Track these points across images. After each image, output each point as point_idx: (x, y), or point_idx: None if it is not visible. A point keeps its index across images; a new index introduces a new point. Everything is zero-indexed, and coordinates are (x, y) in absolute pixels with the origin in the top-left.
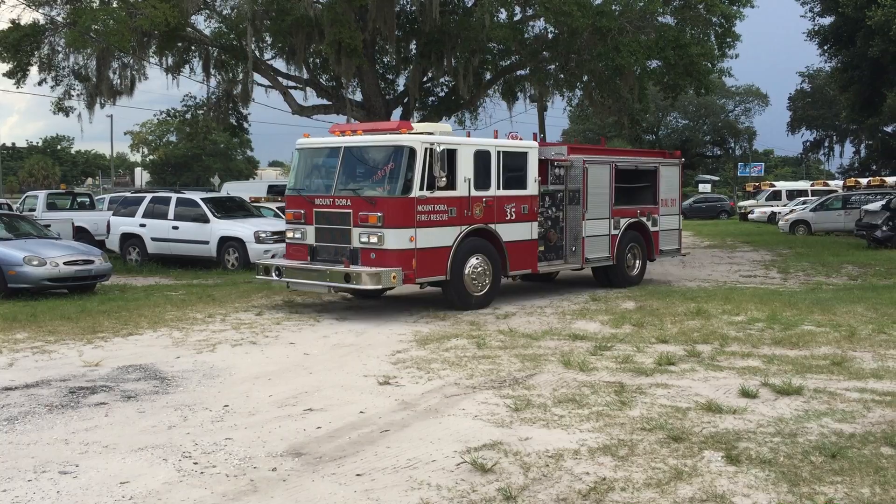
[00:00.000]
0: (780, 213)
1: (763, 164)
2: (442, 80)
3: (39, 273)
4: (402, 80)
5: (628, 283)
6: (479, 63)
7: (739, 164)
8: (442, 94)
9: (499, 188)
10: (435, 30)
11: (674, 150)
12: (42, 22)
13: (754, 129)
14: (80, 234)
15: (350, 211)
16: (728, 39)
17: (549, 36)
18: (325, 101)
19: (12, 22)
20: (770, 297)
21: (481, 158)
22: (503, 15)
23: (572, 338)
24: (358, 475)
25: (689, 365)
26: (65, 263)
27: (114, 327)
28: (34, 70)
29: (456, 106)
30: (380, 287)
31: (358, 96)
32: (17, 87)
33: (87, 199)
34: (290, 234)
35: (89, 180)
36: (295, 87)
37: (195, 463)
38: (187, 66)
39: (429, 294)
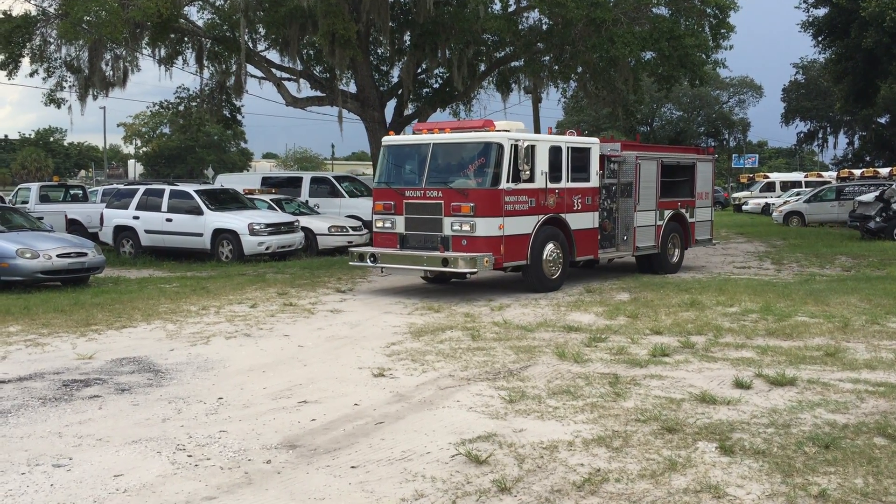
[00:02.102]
0: (774, 204)
1: (757, 155)
2: (436, 71)
3: (32, 266)
4: (396, 72)
5: (669, 269)
6: (474, 54)
7: (733, 155)
8: (436, 85)
9: (568, 181)
10: (429, 21)
11: (707, 147)
12: (34, 13)
13: (748, 120)
14: (74, 226)
15: (441, 202)
16: (722, 31)
17: (544, 27)
18: (318, 93)
19: (4, 13)
20: (764, 288)
21: (555, 153)
22: (497, 6)
23: (567, 329)
24: (353, 467)
25: (684, 356)
26: (58, 256)
27: (107, 320)
28: (26, 61)
29: (450, 97)
30: (474, 270)
31: (352, 88)
32: (9, 79)
33: (81, 192)
34: (378, 224)
35: (82, 172)
36: (288, 79)
37: (189, 455)
38: (180, 58)
39: (418, 286)
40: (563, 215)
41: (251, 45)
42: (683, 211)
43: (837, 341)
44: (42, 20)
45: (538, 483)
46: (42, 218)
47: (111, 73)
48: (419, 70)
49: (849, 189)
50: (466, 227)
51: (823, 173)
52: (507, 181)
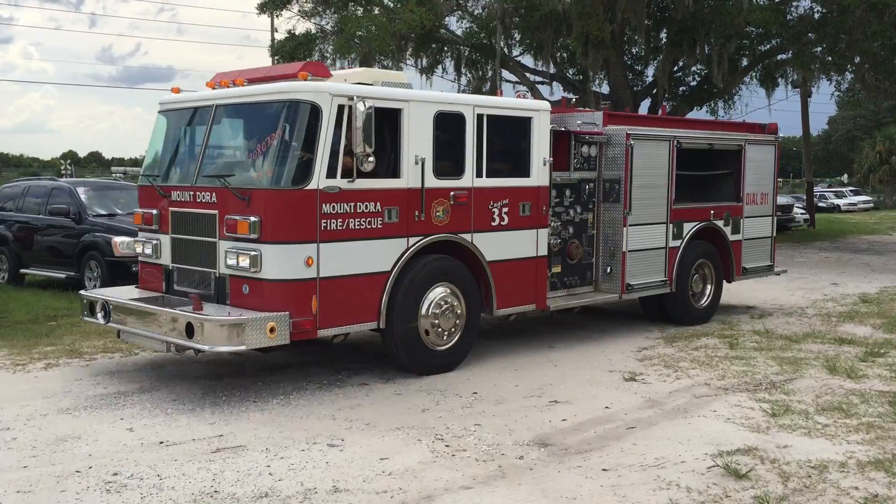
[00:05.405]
0: None
1: None
2: (694, 68)
3: None
4: (650, 71)
5: (693, 318)
6: (735, 49)
7: None
8: (693, 83)
9: (480, 175)
10: (688, 16)
11: (768, 124)
12: (313, 31)
13: None
14: None
15: (216, 212)
16: None
17: (816, 16)
18: (571, 95)
19: (289, 32)
20: None
21: (448, 126)
22: None
23: (838, 342)
24: (604, 470)
25: None
26: None
27: None
28: None
29: (708, 95)
30: (242, 348)
31: (605, 88)
32: None
33: None
34: (139, 248)
35: None
36: (541, 82)
37: (447, 445)
38: (440, 66)
39: None
40: (465, 236)
41: (506, 51)
42: (719, 223)
43: None
44: (320, 37)
45: None
46: None
47: None
48: (675, 68)
49: None
50: (245, 262)
51: None
52: (330, 174)
